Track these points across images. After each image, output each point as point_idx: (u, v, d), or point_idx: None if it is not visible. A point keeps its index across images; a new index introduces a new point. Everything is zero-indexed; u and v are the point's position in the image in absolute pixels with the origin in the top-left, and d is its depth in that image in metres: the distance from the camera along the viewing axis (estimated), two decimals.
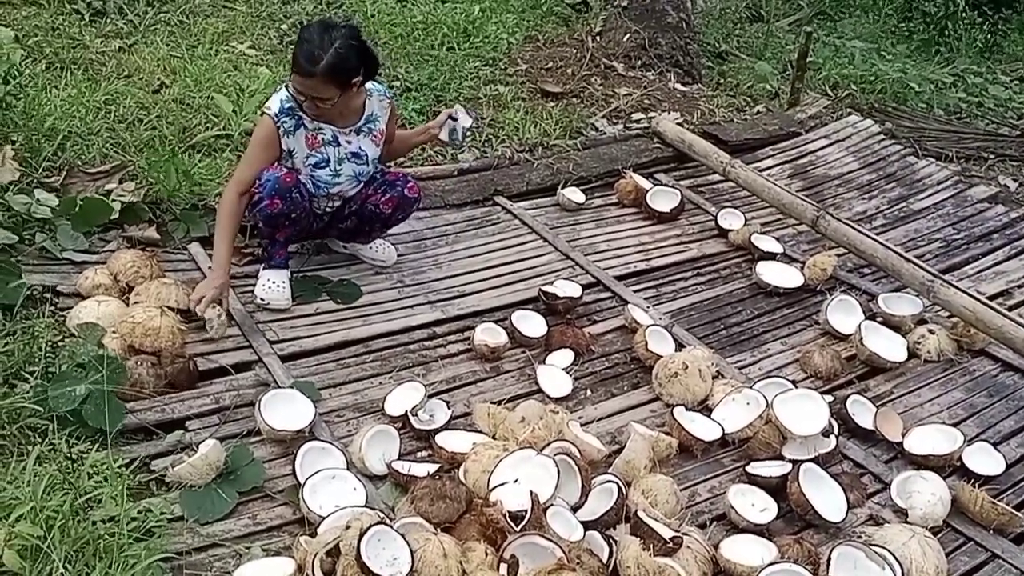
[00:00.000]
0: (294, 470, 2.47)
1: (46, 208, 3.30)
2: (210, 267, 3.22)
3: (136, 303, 2.96)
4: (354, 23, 5.02)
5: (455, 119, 3.39)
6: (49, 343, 2.74)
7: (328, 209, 3.38)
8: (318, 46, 2.93)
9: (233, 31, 5.19)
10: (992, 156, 5.14)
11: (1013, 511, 2.53)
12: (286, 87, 3.13)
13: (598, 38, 5.78)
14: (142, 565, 2.03)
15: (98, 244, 3.37)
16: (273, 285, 3.22)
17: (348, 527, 2.16)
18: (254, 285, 3.25)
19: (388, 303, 3.39)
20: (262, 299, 3.20)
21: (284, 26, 5.36)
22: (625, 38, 5.73)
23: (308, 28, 3.00)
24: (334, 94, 3.05)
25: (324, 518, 2.30)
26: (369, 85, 3.22)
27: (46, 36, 4.66)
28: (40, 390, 2.50)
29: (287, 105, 3.11)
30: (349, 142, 3.25)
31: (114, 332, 2.82)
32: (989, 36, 7.79)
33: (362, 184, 3.35)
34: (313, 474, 2.43)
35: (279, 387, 2.79)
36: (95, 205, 3.37)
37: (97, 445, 2.42)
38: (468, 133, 3.49)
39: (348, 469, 2.50)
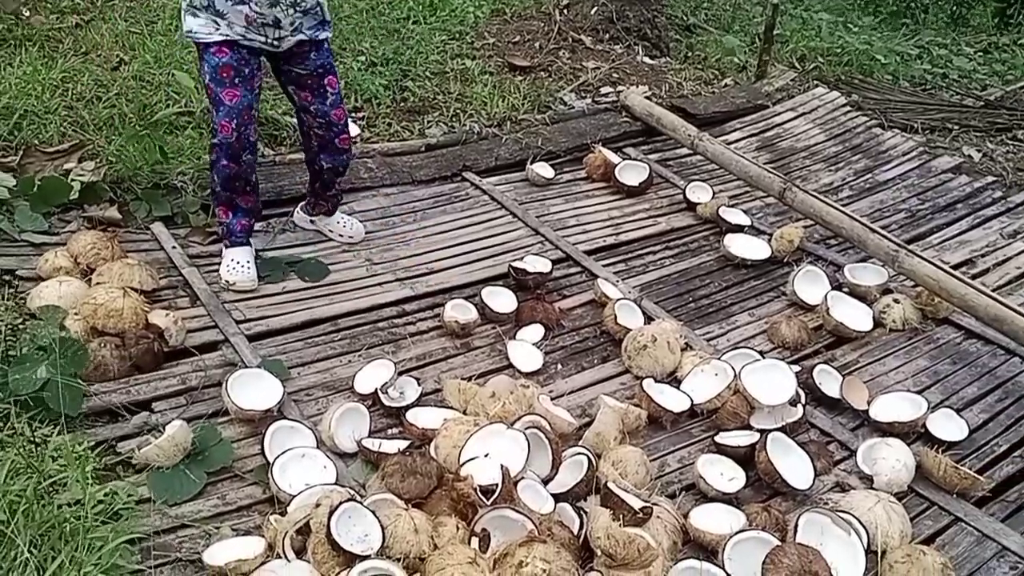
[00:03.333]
0: (263, 449, 2.45)
1: (3, 188, 3.23)
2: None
3: (98, 284, 2.90)
4: None
5: None
6: (9, 326, 2.69)
7: (275, 43, 2.97)
8: None
9: None
10: (956, 127, 5.19)
11: (975, 475, 2.58)
12: None
13: (565, 11, 5.75)
14: (109, 547, 2.01)
15: (58, 225, 3.30)
16: (238, 266, 3.17)
17: (318, 505, 2.15)
18: (219, 264, 3.21)
19: (356, 281, 3.36)
20: (228, 280, 3.16)
21: None
22: (592, 11, 5.70)
23: None
24: None
25: (294, 496, 2.29)
26: None
27: None
28: (0, 374, 2.46)
29: None
30: None
31: (76, 314, 2.77)
32: (955, 8, 7.84)
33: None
34: (282, 453, 2.41)
35: (246, 367, 2.77)
36: (54, 185, 3.30)
37: (61, 428, 2.38)
38: None
39: (318, 447, 2.49)
